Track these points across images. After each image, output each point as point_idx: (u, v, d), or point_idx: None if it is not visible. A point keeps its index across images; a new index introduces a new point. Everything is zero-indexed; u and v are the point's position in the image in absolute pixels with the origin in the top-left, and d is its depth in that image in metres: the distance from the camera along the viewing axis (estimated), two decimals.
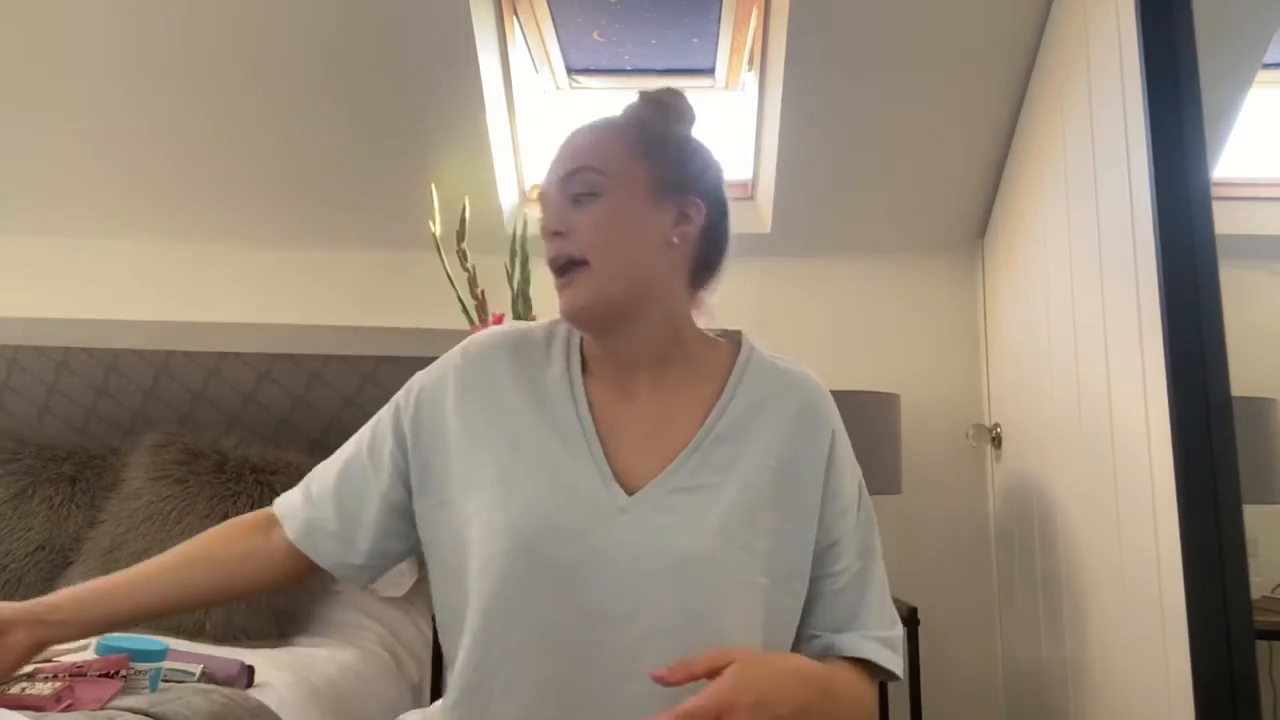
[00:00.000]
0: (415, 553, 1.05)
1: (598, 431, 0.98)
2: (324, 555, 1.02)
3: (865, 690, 0.97)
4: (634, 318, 0.98)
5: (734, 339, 1.08)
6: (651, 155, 0.99)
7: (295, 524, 1.03)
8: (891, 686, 2.21)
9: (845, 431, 1.06)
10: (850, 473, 1.04)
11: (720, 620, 0.91)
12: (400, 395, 1.06)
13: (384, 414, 1.06)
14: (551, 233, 0.97)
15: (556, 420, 0.98)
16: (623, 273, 0.96)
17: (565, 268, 0.96)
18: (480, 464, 0.97)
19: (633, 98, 1.05)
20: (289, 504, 1.05)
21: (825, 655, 0.98)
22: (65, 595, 0.95)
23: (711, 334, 1.08)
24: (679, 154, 1.01)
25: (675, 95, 1.05)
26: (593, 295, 0.95)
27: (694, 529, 0.92)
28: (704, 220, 1.01)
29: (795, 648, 0.99)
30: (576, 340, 1.04)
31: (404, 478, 1.02)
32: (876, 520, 1.06)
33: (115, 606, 0.96)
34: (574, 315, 0.97)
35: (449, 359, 1.06)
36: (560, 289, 0.97)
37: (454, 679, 0.95)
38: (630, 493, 0.94)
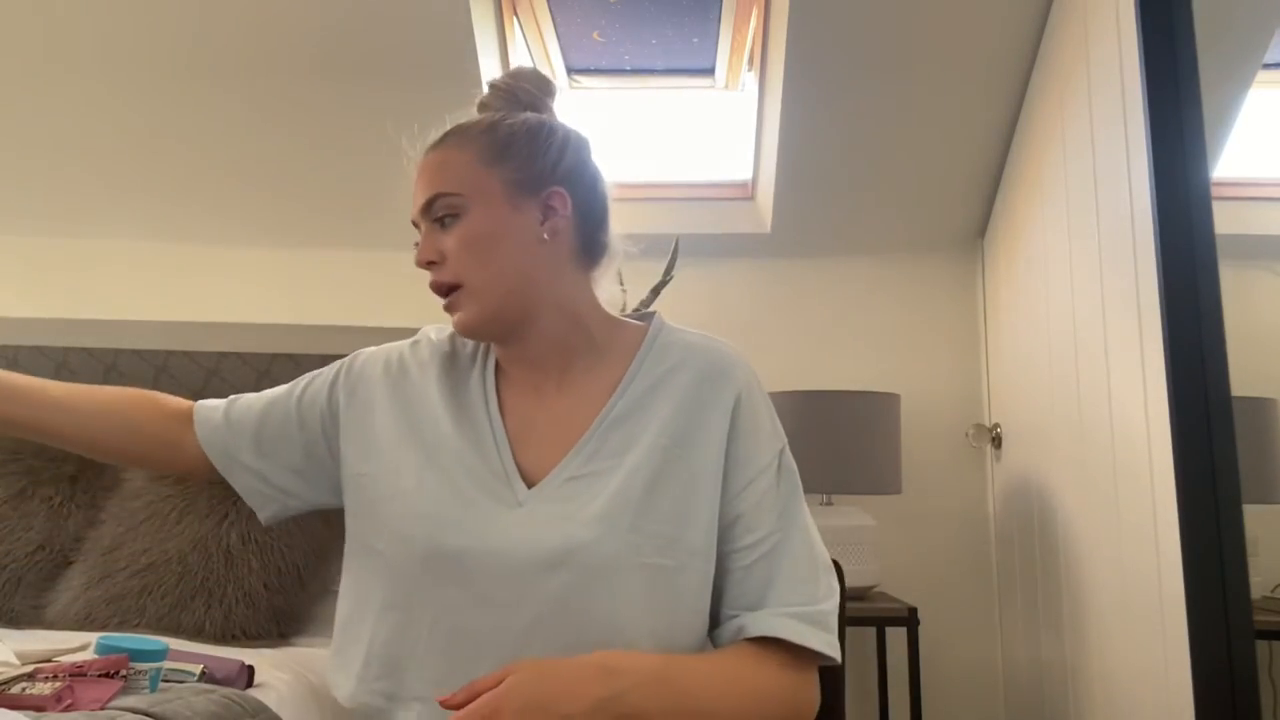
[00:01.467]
0: (314, 507, 1.10)
1: (506, 431, 1.00)
2: (238, 481, 1.08)
3: (767, 676, 0.92)
4: (526, 321, 0.99)
5: (647, 319, 1.07)
6: (501, 160, 0.99)
7: (214, 446, 1.07)
8: (892, 686, 2.22)
9: (762, 400, 1.02)
10: (762, 440, 0.99)
11: (603, 606, 0.91)
12: (342, 364, 1.10)
13: (321, 376, 1.10)
14: (425, 263, 0.99)
15: (471, 422, 1.01)
16: (498, 284, 0.97)
17: (446, 292, 0.99)
18: (400, 452, 1.00)
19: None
20: (209, 420, 1.08)
21: (737, 637, 0.94)
22: None
23: (624, 317, 1.08)
24: (529, 148, 1.00)
25: (522, 76, 1.07)
26: (476, 314, 0.98)
27: (577, 517, 0.93)
28: (570, 207, 1.00)
29: (713, 629, 0.97)
30: (489, 346, 1.07)
31: (327, 439, 1.06)
32: (800, 489, 1.01)
33: (13, 410, 1.00)
34: (466, 334, 1.01)
35: (398, 346, 1.10)
36: (446, 310, 1.00)
37: (369, 648, 0.96)
38: (531, 486, 0.97)
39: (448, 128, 1.04)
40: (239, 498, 2.03)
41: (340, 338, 2.06)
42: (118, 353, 2.10)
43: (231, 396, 1.12)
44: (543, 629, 0.91)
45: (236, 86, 2.27)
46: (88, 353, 2.11)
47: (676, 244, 2.16)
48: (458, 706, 0.81)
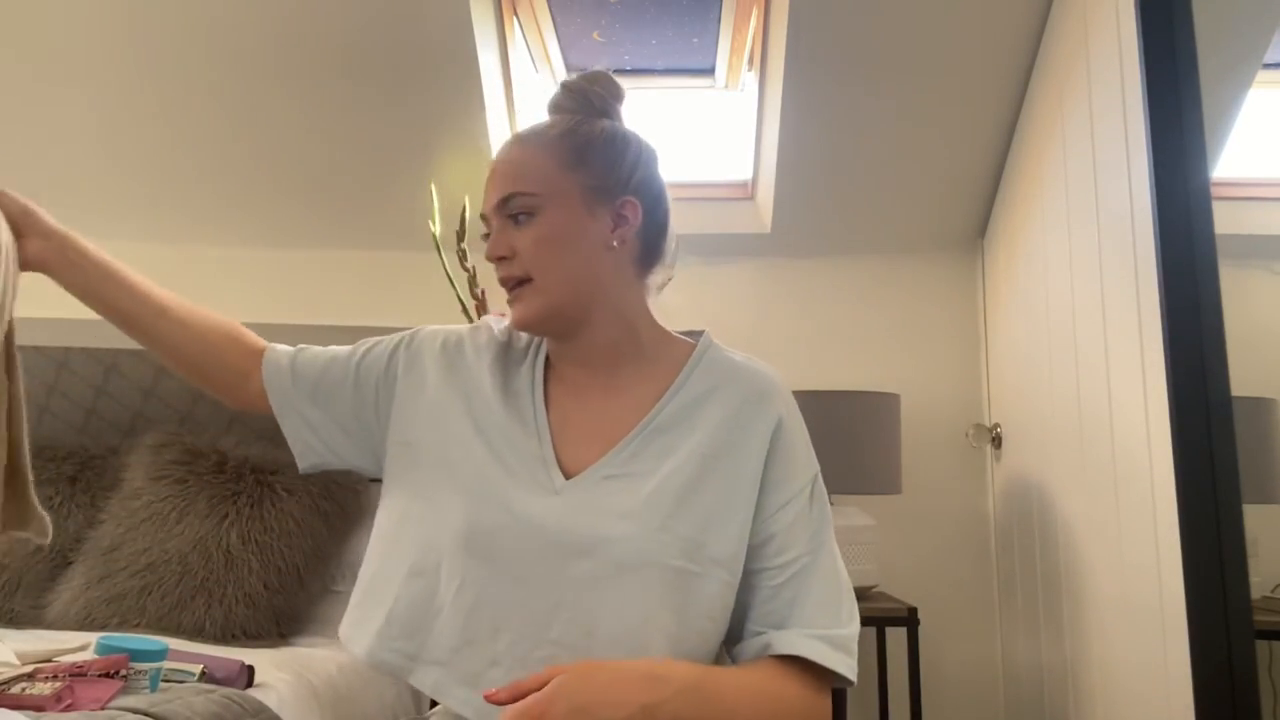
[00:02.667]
0: (350, 467, 1.13)
1: (550, 424, 1.04)
2: (288, 426, 1.12)
3: (790, 691, 0.94)
4: (584, 321, 1.03)
5: (695, 336, 1.11)
6: (581, 165, 1.02)
7: (275, 390, 1.11)
8: (892, 686, 2.22)
9: (800, 426, 1.05)
10: (799, 465, 1.03)
11: (622, 599, 0.94)
12: (403, 336, 1.13)
13: (382, 344, 1.13)
14: (497, 257, 1.02)
15: (517, 410, 1.05)
16: (566, 284, 1.01)
17: (514, 286, 1.02)
18: (449, 425, 1.04)
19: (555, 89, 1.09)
20: (276, 364, 1.12)
21: (763, 654, 0.97)
22: (77, 244, 1.12)
23: (675, 333, 1.11)
24: (607, 156, 1.03)
25: (597, 80, 1.08)
26: (539, 308, 1.01)
27: (610, 511, 0.96)
28: (640, 219, 1.04)
29: (736, 643, 1.01)
30: (541, 341, 1.11)
31: (378, 405, 1.09)
32: (830, 517, 1.04)
33: (120, 299, 1.13)
34: (523, 326, 1.03)
35: (458, 328, 1.14)
36: (510, 303, 1.03)
37: (391, 609, 0.99)
38: (568, 478, 1.00)
39: (521, 128, 1.07)
40: (239, 497, 2.04)
41: (340, 338, 2.06)
42: (117, 353, 2.10)
43: (300, 345, 1.15)
44: (562, 613, 0.93)
45: (235, 87, 2.27)
46: (88, 353, 2.11)
47: (676, 244, 2.15)
48: (502, 703, 0.84)
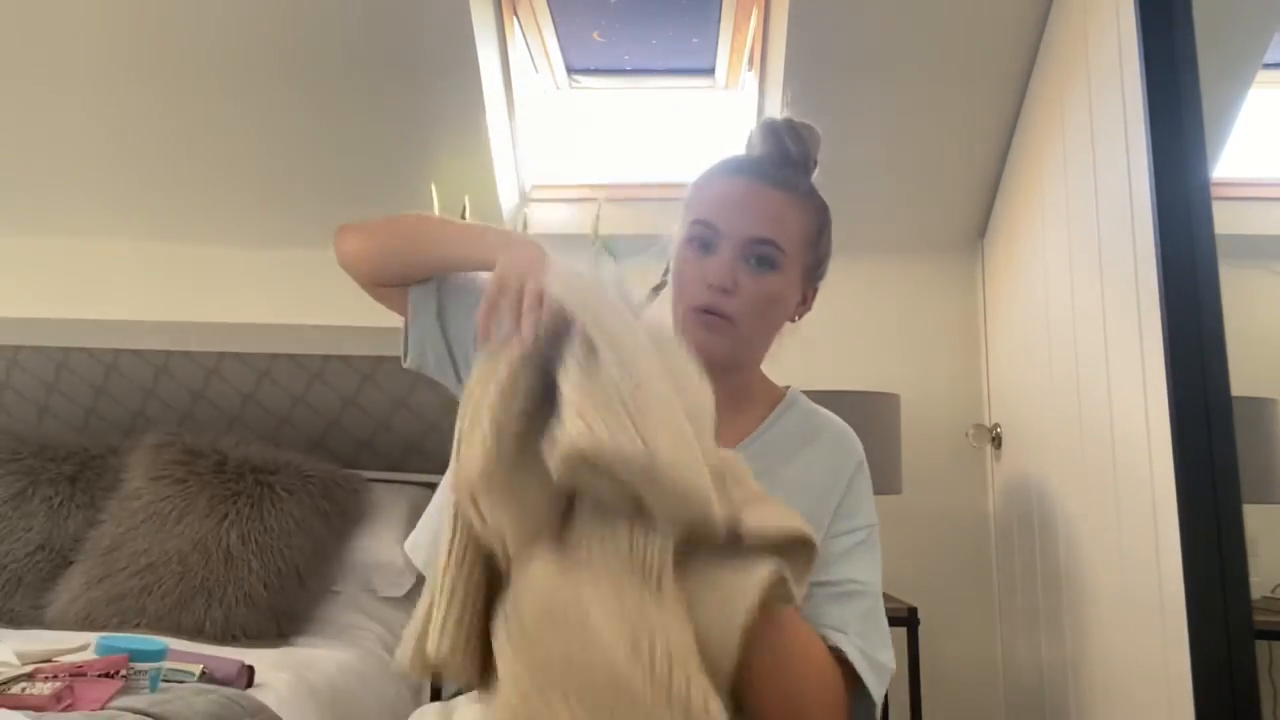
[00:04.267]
0: (438, 380, 1.13)
1: None
2: (416, 325, 1.12)
3: (835, 670, 0.95)
4: (740, 369, 1.08)
5: (784, 387, 1.17)
6: (815, 245, 1.08)
7: (418, 292, 1.13)
8: (892, 686, 2.21)
9: (869, 478, 1.11)
10: (865, 507, 1.08)
11: None
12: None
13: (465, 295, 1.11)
14: (722, 288, 1.01)
15: None
16: (758, 342, 1.07)
17: (714, 315, 1.03)
18: None
19: (764, 127, 1.13)
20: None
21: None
22: None
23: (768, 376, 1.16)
24: (825, 245, 1.10)
25: (816, 140, 1.12)
26: (726, 349, 1.03)
27: None
28: (812, 306, 1.13)
29: None
30: None
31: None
32: (880, 566, 1.07)
33: None
34: (708, 357, 0.97)
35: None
36: (697, 323, 1.02)
37: None
38: None
39: (772, 155, 1.10)
40: (239, 497, 2.03)
41: (340, 338, 2.07)
42: (118, 353, 2.10)
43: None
44: None
45: (235, 87, 2.27)
46: (88, 353, 2.11)
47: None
48: None
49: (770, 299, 1.04)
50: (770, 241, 1.02)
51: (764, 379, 1.14)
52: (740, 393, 1.09)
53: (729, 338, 1.02)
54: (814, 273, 1.10)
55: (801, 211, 1.06)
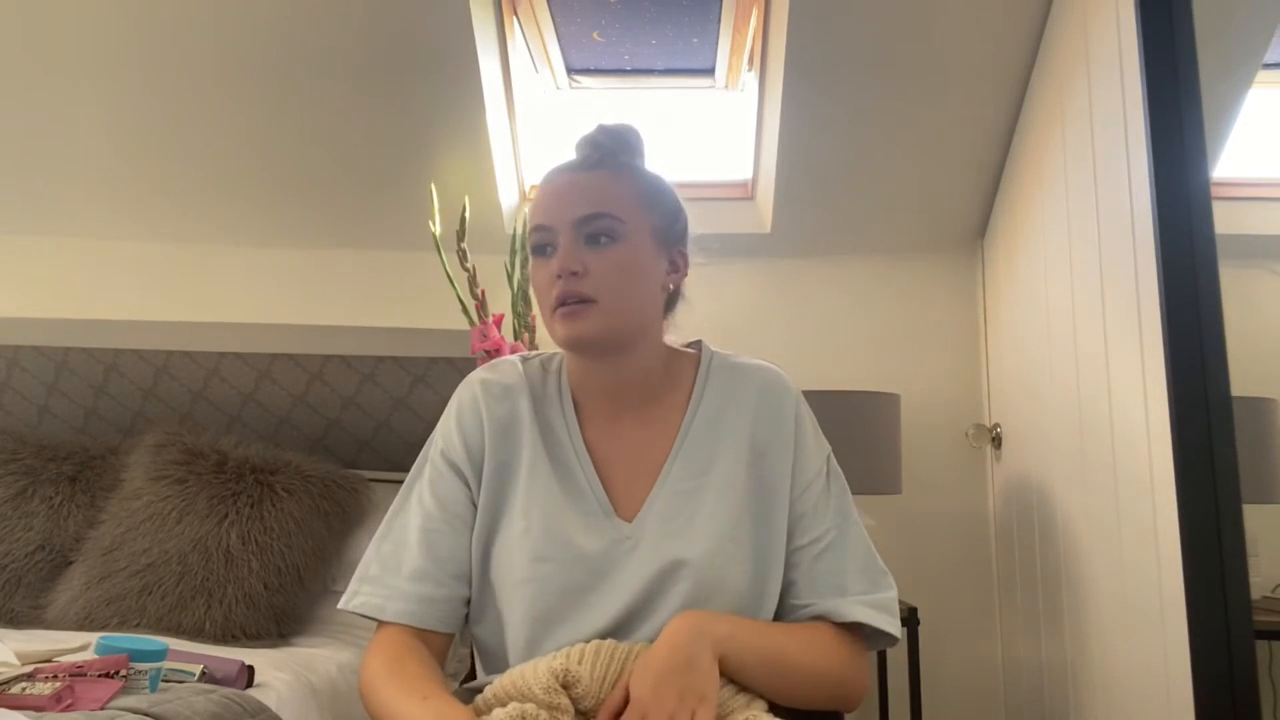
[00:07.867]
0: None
1: (594, 465, 1.07)
2: (451, 624, 1.07)
3: (842, 648, 1.02)
4: (627, 350, 1.06)
5: (695, 346, 1.17)
6: (653, 206, 1.07)
7: (418, 616, 1.06)
8: (892, 687, 2.22)
9: (808, 411, 1.13)
10: (815, 445, 1.10)
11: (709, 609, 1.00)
12: (438, 444, 1.13)
13: (429, 471, 1.12)
14: (569, 272, 1.01)
15: (559, 459, 1.08)
16: (629, 313, 1.04)
17: (575, 302, 1.02)
18: (506, 494, 1.07)
19: (590, 129, 1.11)
20: (395, 610, 1.07)
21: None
22: None
23: (676, 346, 1.15)
24: (671, 205, 1.10)
25: (631, 131, 1.12)
26: (598, 330, 1.02)
27: (684, 538, 1.02)
28: (687, 270, 1.12)
29: (784, 618, 1.07)
30: (565, 379, 1.13)
31: (474, 505, 1.09)
32: (848, 490, 1.12)
33: None
34: (575, 344, 1.04)
35: (471, 395, 1.12)
36: (561, 317, 1.02)
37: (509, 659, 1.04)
38: (628, 518, 1.04)
39: (584, 150, 1.09)
40: (239, 497, 2.03)
41: (340, 338, 2.07)
42: (118, 353, 2.10)
43: (399, 577, 1.10)
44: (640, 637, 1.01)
45: (235, 87, 2.27)
46: (88, 353, 2.11)
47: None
48: None
49: (623, 267, 1.02)
50: (601, 215, 1.02)
51: (672, 351, 1.13)
52: (650, 376, 1.09)
53: (594, 317, 1.01)
54: (668, 234, 1.08)
55: (625, 181, 1.06)
